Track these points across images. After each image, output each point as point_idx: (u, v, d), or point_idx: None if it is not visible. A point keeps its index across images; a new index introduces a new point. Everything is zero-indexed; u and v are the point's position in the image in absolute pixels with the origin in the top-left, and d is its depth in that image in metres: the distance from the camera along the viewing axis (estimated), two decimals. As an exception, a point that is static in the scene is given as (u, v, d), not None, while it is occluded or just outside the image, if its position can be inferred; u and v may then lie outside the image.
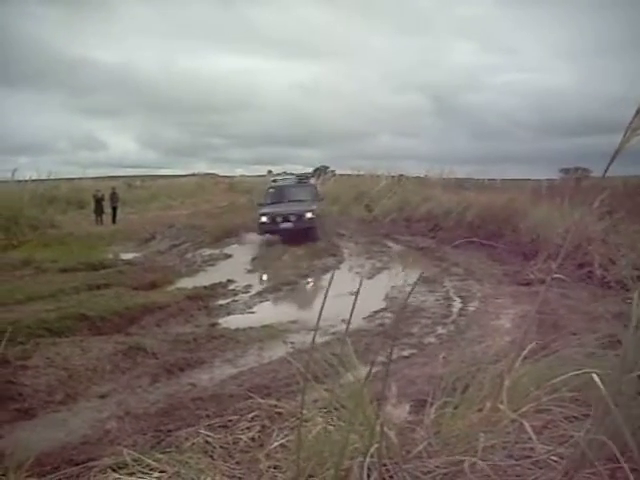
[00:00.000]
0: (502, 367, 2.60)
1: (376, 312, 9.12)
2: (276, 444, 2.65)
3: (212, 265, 15.27)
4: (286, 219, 17.85)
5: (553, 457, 2.02)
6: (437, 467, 2.11)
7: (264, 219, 18.07)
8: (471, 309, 9.42)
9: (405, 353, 7.02)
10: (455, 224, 17.95)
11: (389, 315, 8.94)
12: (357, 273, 13.15)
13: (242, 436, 3.09)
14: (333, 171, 44.62)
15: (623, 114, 2.25)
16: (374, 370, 2.22)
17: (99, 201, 25.98)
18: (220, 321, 9.32)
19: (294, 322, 8.70)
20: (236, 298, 10.99)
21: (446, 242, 17.04)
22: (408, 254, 16.67)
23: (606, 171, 2.31)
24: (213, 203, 35.07)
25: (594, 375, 1.83)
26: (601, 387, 1.79)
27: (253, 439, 3.06)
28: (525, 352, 2.62)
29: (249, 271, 14.23)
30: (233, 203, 31.99)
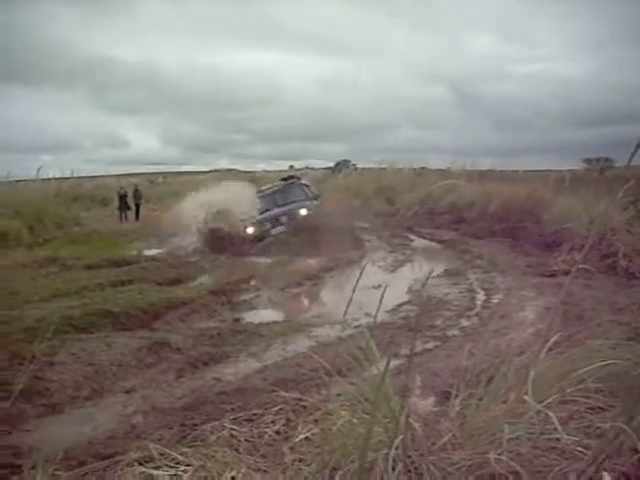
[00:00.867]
0: (526, 359, 2.59)
1: (399, 305, 9.10)
2: (301, 437, 2.66)
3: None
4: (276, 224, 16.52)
5: (579, 448, 2.02)
6: (462, 459, 2.12)
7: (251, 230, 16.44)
8: (495, 301, 9.34)
9: (429, 346, 7.00)
10: (478, 216, 17.84)
11: (413, 308, 8.91)
12: (380, 267, 13.10)
13: (267, 429, 3.12)
14: (355, 165, 44.68)
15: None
16: (399, 363, 2.23)
17: (123, 198, 26.13)
18: (243, 316, 9.37)
19: (317, 317, 8.73)
20: (259, 293, 11.03)
21: (469, 234, 16.97)
22: (431, 247, 16.60)
23: (630, 161, 2.28)
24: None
25: (619, 366, 1.82)
26: (626, 378, 1.77)
27: (278, 432, 3.09)
28: (550, 344, 2.61)
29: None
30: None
